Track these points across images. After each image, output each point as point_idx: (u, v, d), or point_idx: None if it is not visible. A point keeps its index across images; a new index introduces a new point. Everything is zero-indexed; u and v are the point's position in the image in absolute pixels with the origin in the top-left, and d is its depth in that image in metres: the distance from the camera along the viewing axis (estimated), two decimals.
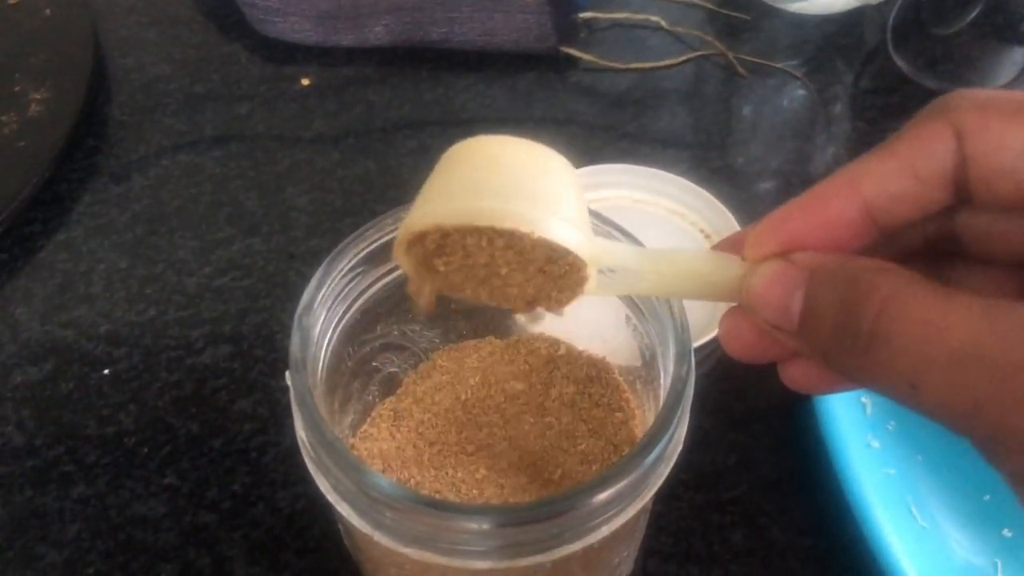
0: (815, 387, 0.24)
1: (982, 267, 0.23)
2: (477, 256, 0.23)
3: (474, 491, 0.32)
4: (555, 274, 0.23)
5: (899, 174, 0.21)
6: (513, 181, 0.22)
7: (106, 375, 0.45)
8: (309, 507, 0.40)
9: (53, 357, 0.46)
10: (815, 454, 0.40)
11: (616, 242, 0.25)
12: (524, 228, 0.22)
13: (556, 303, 0.24)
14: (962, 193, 0.21)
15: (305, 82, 0.61)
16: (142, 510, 0.40)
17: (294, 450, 0.42)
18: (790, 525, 0.40)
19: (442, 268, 0.24)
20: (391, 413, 0.35)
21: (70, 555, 0.39)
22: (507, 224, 0.22)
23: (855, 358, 0.20)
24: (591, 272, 0.24)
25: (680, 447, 0.28)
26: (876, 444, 0.39)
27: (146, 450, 0.42)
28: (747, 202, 0.52)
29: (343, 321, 0.31)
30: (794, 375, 0.24)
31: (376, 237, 0.30)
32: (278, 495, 0.41)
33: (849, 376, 0.20)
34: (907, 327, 0.19)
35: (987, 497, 0.40)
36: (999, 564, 0.38)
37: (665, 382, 0.29)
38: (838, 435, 0.38)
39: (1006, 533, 0.39)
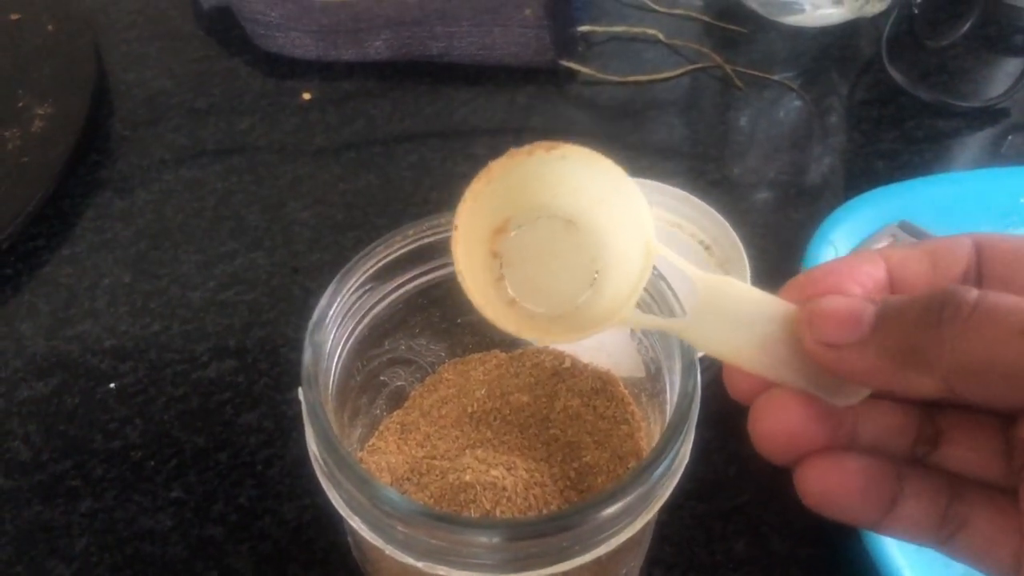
0: (835, 491, 0.24)
1: None
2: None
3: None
4: None
5: (919, 258, 0.24)
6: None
7: (112, 389, 0.45)
8: (315, 519, 0.40)
9: (59, 372, 0.46)
10: None
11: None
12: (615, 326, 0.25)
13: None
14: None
15: (306, 96, 0.61)
16: (149, 524, 0.41)
17: (300, 463, 0.42)
18: (791, 534, 0.40)
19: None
20: (398, 426, 0.36)
21: (78, 569, 0.39)
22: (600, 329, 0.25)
23: (953, 328, 0.20)
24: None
25: (687, 460, 0.28)
26: None
27: (152, 464, 0.43)
28: (745, 213, 0.53)
29: (352, 336, 0.32)
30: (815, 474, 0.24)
31: (385, 254, 0.31)
32: (284, 508, 0.41)
33: (926, 363, 0.21)
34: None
35: None
36: None
37: (671, 396, 0.29)
38: None
39: None
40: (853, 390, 0.24)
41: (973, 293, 0.20)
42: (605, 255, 0.25)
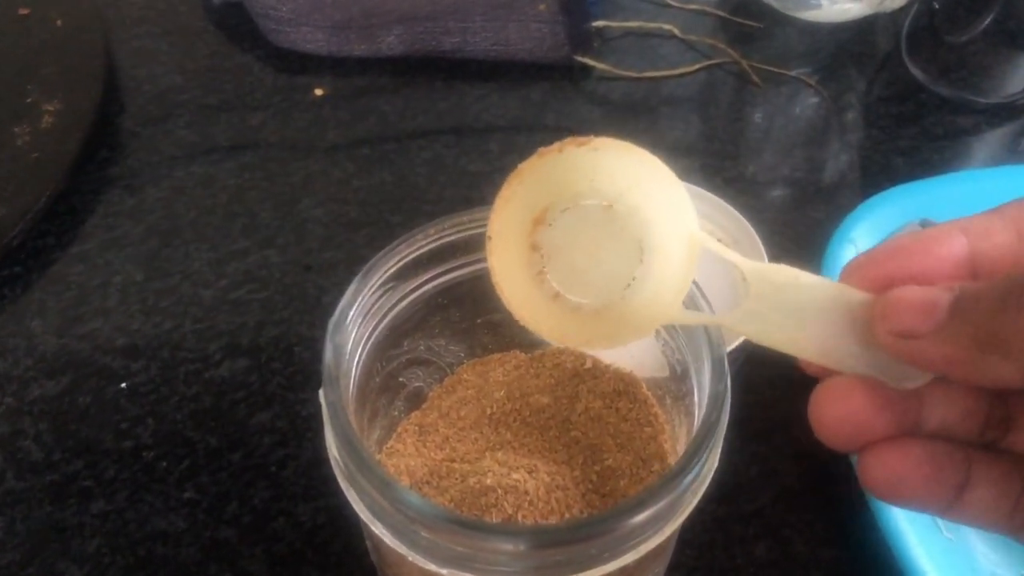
0: (900, 480, 0.23)
1: None
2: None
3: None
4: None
5: (1003, 228, 0.23)
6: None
7: (123, 389, 0.45)
8: (330, 521, 0.40)
9: (70, 371, 0.46)
10: (837, 465, 0.40)
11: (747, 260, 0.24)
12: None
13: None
14: None
15: (318, 92, 0.60)
16: (162, 525, 0.40)
17: (314, 463, 0.42)
18: (813, 537, 0.40)
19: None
20: (416, 428, 0.35)
21: (90, 571, 0.39)
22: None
23: None
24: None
25: (716, 465, 0.28)
26: None
27: (165, 464, 0.42)
28: (762, 211, 0.52)
29: (373, 336, 0.31)
30: (882, 462, 0.23)
31: (407, 252, 0.30)
32: (299, 509, 0.40)
33: (1006, 351, 0.20)
34: None
35: None
36: None
37: (699, 398, 0.29)
38: None
39: None
40: (919, 373, 0.23)
41: None
42: (649, 237, 0.24)
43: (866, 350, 0.23)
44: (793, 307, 0.24)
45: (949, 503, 0.23)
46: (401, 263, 0.30)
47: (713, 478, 0.39)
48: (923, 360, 0.22)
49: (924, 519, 0.38)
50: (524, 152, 0.60)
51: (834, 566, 0.39)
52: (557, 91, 0.61)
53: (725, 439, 0.42)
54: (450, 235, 0.31)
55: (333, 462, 0.27)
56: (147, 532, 0.40)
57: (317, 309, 0.48)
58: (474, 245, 0.31)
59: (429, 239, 0.30)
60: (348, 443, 0.25)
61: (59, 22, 0.62)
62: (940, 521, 0.38)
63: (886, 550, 0.36)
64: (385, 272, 0.30)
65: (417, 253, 0.30)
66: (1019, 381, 0.20)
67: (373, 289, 0.29)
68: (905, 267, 0.23)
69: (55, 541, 0.39)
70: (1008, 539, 0.38)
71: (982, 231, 0.23)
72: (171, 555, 0.39)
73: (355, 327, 0.29)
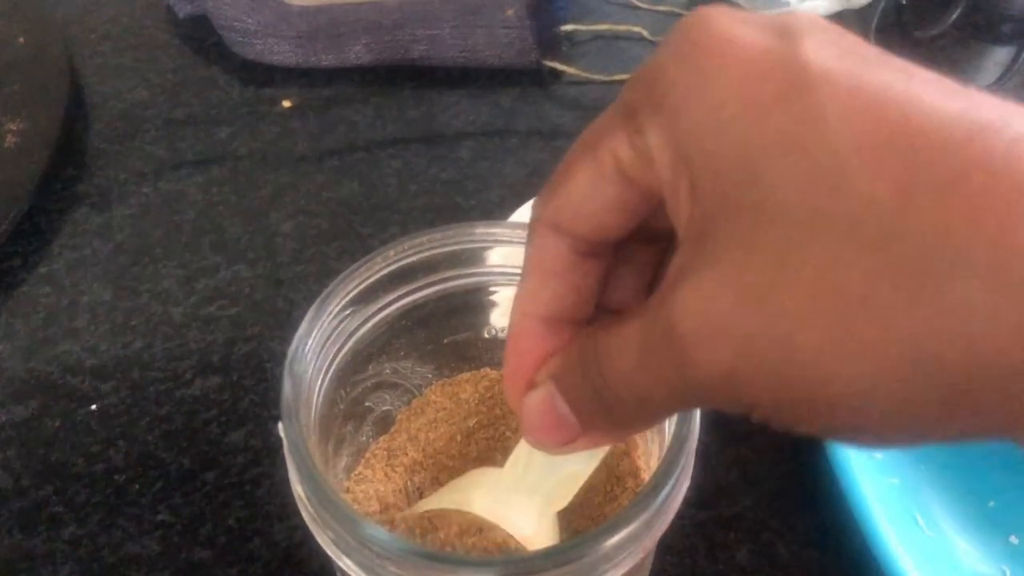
0: None
1: None
2: None
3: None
4: None
5: (553, 288, 0.23)
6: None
7: (93, 411, 0.44)
8: (306, 540, 0.39)
9: (38, 394, 0.45)
10: (817, 466, 0.40)
11: None
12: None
13: None
14: None
15: (286, 104, 0.60)
16: (135, 549, 0.39)
17: (289, 482, 0.41)
18: (795, 539, 0.40)
19: None
20: (385, 453, 0.34)
21: None
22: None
23: (620, 415, 0.21)
24: None
25: (689, 481, 0.27)
26: (878, 454, 0.39)
27: (137, 487, 0.41)
28: None
29: (335, 363, 0.30)
30: None
31: (366, 276, 0.30)
32: (274, 528, 0.40)
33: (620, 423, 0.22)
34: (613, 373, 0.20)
35: (992, 503, 0.40)
36: (1007, 571, 0.38)
37: None
38: (840, 446, 0.38)
39: (1013, 540, 0.39)
40: None
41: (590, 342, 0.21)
42: None
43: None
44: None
45: None
46: (360, 287, 0.30)
47: (693, 483, 0.39)
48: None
49: (906, 518, 0.38)
50: (495, 158, 0.59)
51: (817, 567, 0.39)
52: (527, 96, 0.60)
53: (704, 443, 0.41)
54: (410, 256, 0.30)
55: (297, 498, 0.26)
56: (120, 557, 0.39)
57: (288, 324, 0.47)
58: (435, 265, 0.31)
59: (388, 262, 0.30)
60: (310, 479, 0.25)
61: (21, 39, 0.61)
62: (921, 519, 0.38)
63: (867, 550, 0.36)
64: (344, 297, 0.29)
65: (376, 276, 0.30)
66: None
67: (332, 315, 0.29)
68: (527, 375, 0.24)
69: (25, 570, 0.39)
70: (990, 534, 0.38)
71: (542, 303, 0.23)
72: None
73: (315, 356, 0.28)
